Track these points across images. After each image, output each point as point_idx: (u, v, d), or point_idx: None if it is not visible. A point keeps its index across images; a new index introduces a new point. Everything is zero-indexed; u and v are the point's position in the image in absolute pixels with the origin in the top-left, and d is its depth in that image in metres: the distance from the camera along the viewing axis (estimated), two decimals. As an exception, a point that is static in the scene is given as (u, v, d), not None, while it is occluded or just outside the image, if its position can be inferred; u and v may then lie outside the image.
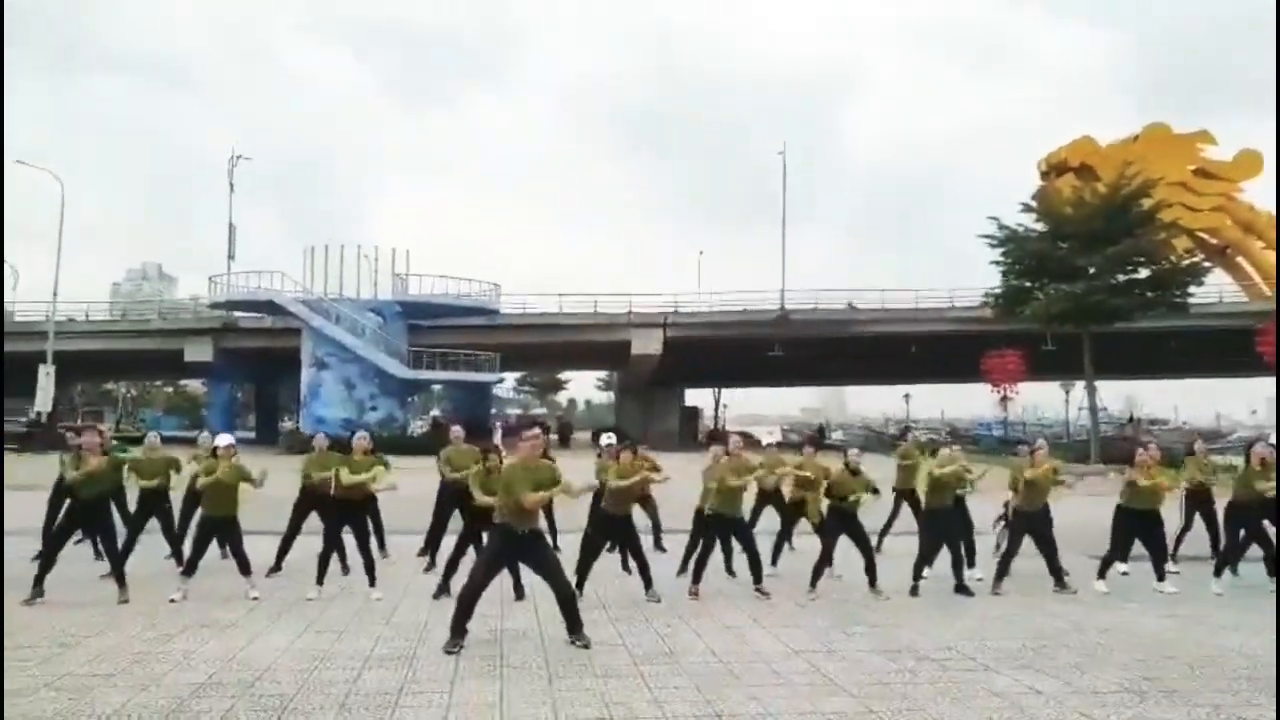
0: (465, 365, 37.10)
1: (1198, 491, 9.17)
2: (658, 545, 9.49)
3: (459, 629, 5.53)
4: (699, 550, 7.59)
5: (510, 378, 68.29)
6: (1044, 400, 56.60)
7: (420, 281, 36.10)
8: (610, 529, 7.44)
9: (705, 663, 5.33)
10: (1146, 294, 28.18)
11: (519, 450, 5.93)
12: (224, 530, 7.32)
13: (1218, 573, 8.04)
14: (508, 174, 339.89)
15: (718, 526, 7.53)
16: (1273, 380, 28.88)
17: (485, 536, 7.30)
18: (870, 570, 7.51)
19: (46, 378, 34.07)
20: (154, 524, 8.24)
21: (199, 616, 6.36)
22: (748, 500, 8.02)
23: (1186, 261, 30.69)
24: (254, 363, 42.01)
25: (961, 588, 7.60)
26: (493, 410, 48.80)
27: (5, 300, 41.94)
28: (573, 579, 6.27)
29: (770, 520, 8.93)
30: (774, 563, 8.45)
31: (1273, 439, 12.82)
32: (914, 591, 7.51)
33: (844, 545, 7.68)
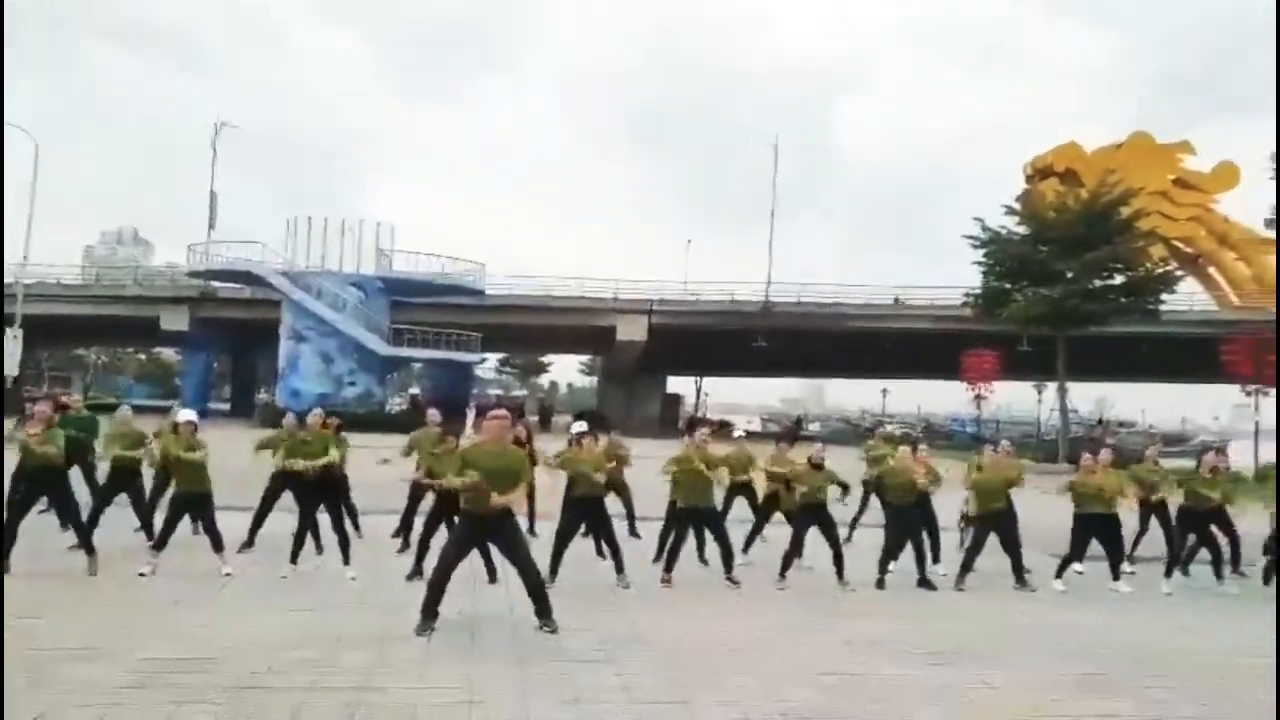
0: (447, 344, 36.89)
1: (1148, 499, 9.45)
2: (632, 532, 9.58)
3: (430, 611, 5.57)
4: (671, 540, 7.68)
5: (492, 358, 68.07)
6: (1017, 400, 57.52)
7: (405, 258, 35.77)
8: (583, 513, 7.50)
9: (674, 650, 5.42)
10: (1121, 300, 28.72)
11: (485, 430, 5.89)
12: (196, 506, 7.29)
13: (1168, 574, 8.32)
14: (504, 164, 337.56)
15: (690, 518, 7.63)
16: (1235, 389, 29.59)
17: (455, 518, 7.33)
18: (838, 562, 7.66)
19: (14, 341, 33.33)
20: (123, 497, 8.18)
21: (169, 592, 6.35)
22: (719, 491, 8.11)
23: (1160, 270, 31.27)
24: (231, 333, 41.50)
25: (924, 582, 7.79)
26: (474, 391, 48.60)
27: None
28: (546, 566, 6.33)
29: (741, 510, 9.05)
30: (745, 551, 8.59)
31: (1241, 446, 13.20)
32: (880, 584, 7.69)
33: (814, 537, 7.82)
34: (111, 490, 8.07)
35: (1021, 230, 30.00)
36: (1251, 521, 9.19)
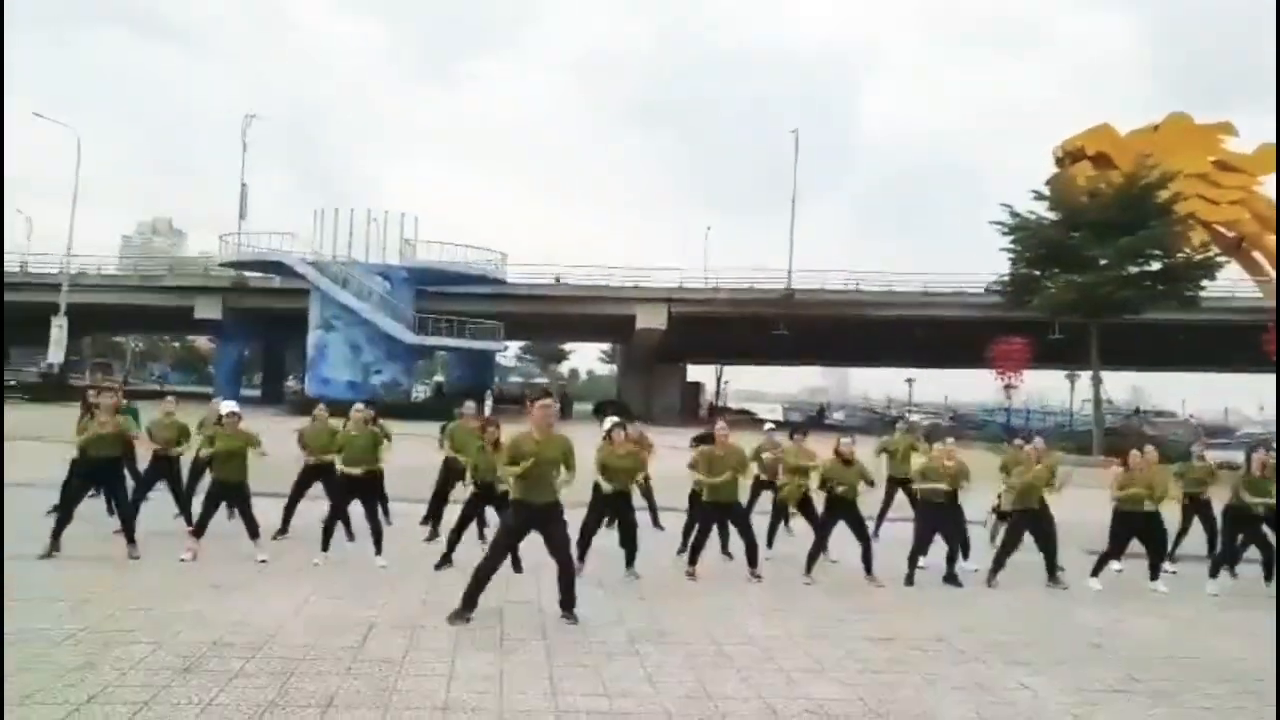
0: (470, 333, 37.24)
1: (1194, 496, 9.24)
2: (655, 524, 9.63)
3: (470, 601, 5.66)
4: (695, 534, 7.70)
5: (514, 346, 68.47)
6: (1049, 389, 56.57)
7: (428, 248, 36.15)
8: (609, 506, 7.56)
9: (699, 644, 5.46)
10: (1158, 286, 27.97)
11: (533, 419, 5.96)
12: (233, 495, 7.46)
13: (1213, 574, 8.14)
14: (520, 147, 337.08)
15: (715, 513, 7.63)
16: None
17: (489, 510, 7.42)
18: (867, 558, 7.62)
19: (60, 330, 34.40)
20: (162, 483, 8.41)
21: (208, 577, 6.53)
22: (745, 485, 8.09)
23: (1200, 255, 30.40)
24: (262, 322, 42.21)
25: (951, 578, 7.72)
26: (495, 379, 48.98)
27: (21, 251, 42.20)
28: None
29: (767, 503, 9.03)
30: (769, 544, 8.58)
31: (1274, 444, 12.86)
32: (909, 580, 7.63)
33: (841, 532, 7.78)
34: (153, 478, 8.32)
35: (1052, 216, 29.33)
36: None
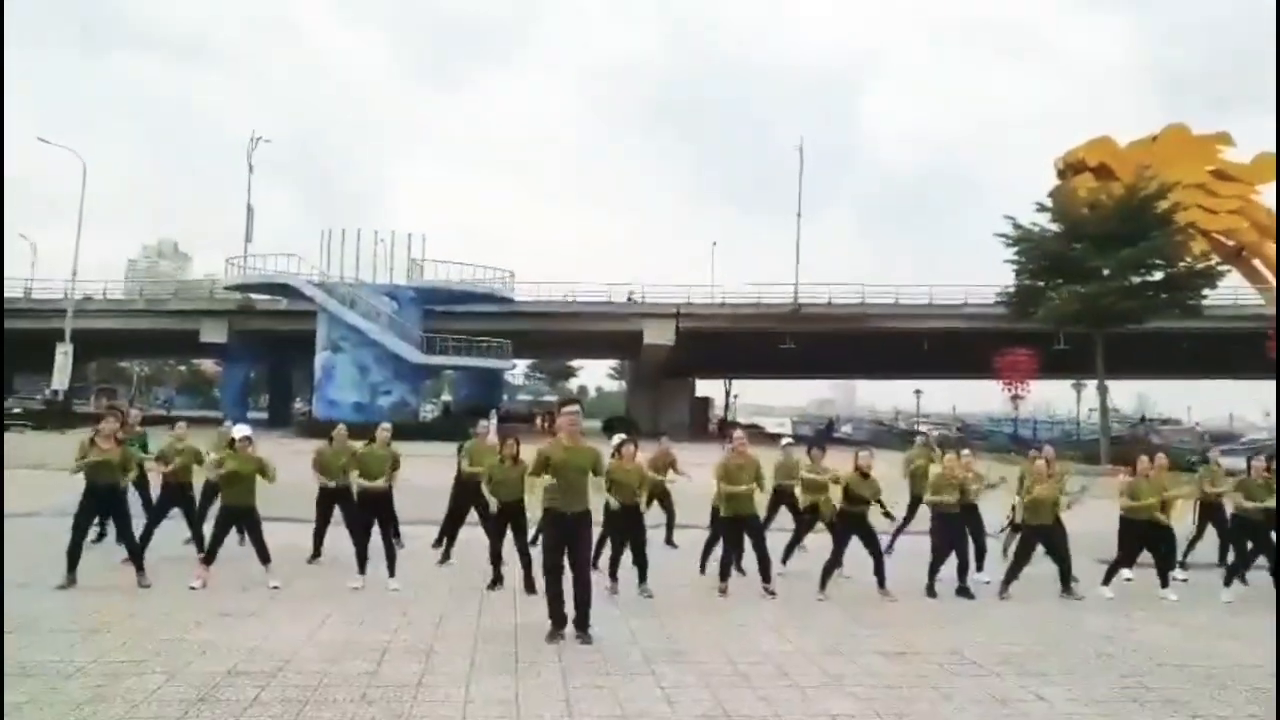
0: (478, 351, 37.36)
1: (1210, 502, 9.21)
2: (669, 540, 9.61)
3: (558, 618, 5.71)
4: (722, 552, 7.68)
5: (522, 364, 68.61)
6: (1056, 398, 56.46)
7: (436, 267, 36.39)
8: (621, 523, 7.56)
9: (714, 662, 5.44)
10: (1160, 296, 28.03)
11: (560, 428, 6.00)
12: (243, 519, 7.47)
13: (1227, 582, 8.11)
14: (525, 162, 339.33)
15: (735, 526, 7.62)
16: None
17: (510, 526, 7.41)
18: (879, 572, 7.61)
19: (64, 357, 34.52)
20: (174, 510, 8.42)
21: (220, 605, 6.52)
22: (761, 499, 8.08)
23: (1201, 264, 30.47)
24: (269, 344, 42.42)
25: (963, 590, 7.70)
26: (504, 397, 49.09)
27: (25, 277, 42.55)
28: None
29: (785, 518, 9.01)
30: (784, 562, 8.55)
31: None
32: (929, 592, 7.64)
33: (854, 547, 7.76)
34: (166, 506, 8.32)
35: (1054, 227, 29.45)
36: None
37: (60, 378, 34.97)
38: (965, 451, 8.62)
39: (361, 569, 7.34)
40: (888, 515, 7.88)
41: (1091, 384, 34.57)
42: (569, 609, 5.75)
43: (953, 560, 7.86)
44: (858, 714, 4.59)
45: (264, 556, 7.32)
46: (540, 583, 6.23)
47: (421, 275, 36.09)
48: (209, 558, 7.26)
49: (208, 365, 72.66)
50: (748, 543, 7.90)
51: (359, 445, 7.97)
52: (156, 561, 7.45)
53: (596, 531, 6.92)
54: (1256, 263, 47.06)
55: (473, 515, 8.34)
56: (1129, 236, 26.94)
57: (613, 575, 7.46)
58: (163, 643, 5.48)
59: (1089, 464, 26.04)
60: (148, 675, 4.83)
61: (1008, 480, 8.62)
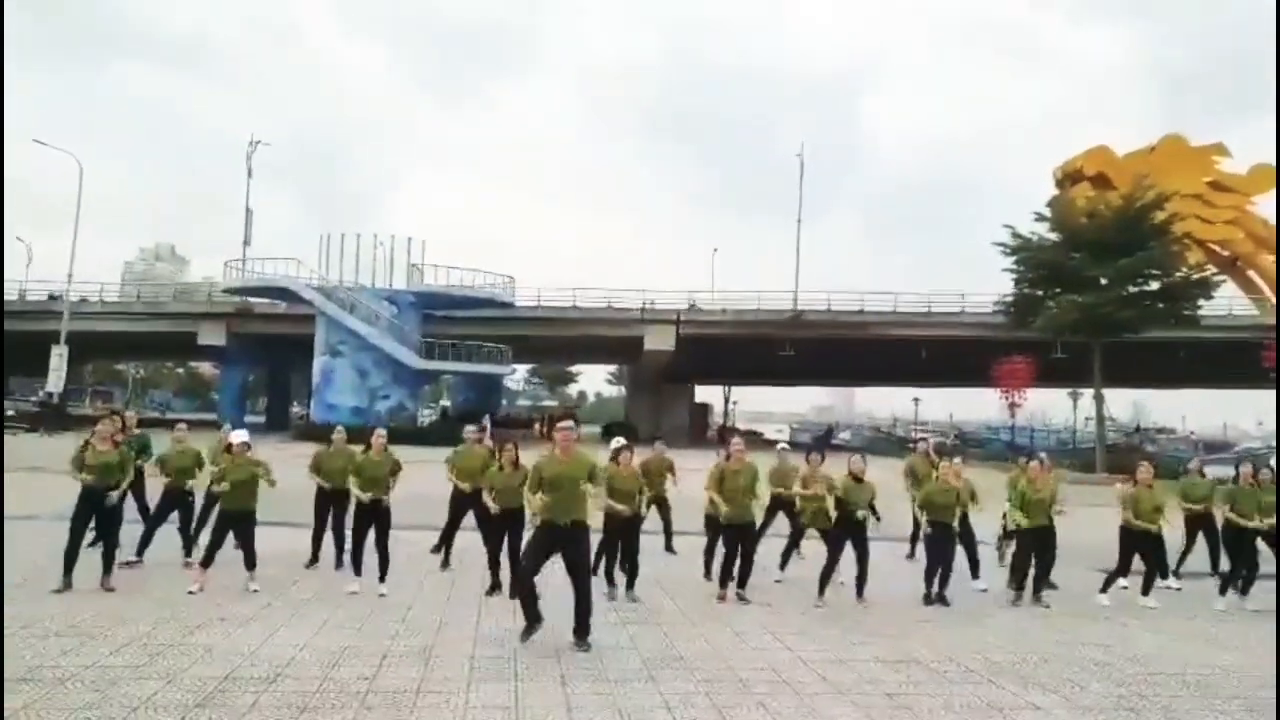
0: (478, 356, 37.33)
1: (1195, 513, 9.25)
2: (668, 547, 9.62)
3: (532, 616, 5.74)
4: (723, 558, 7.69)
5: (521, 369, 68.65)
6: (1052, 407, 56.56)
7: (435, 272, 36.32)
8: (618, 530, 7.57)
9: (714, 669, 5.45)
10: (1157, 305, 28.14)
11: (556, 440, 6.05)
12: (240, 524, 7.45)
13: (1222, 591, 8.17)
14: (525, 167, 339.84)
15: (733, 531, 7.60)
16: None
17: (507, 532, 7.41)
18: (860, 580, 7.61)
19: (59, 359, 34.42)
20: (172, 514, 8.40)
21: (217, 610, 6.51)
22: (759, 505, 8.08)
23: (1197, 275, 30.61)
24: (267, 348, 42.33)
25: (940, 598, 7.73)
26: (503, 402, 49.06)
27: (19, 279, 42.48)
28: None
29: (781, 524, 9.02)
30: (782, 568, 8.56)
31: (1272, 461, 12.89)
32: (927, 599, 7.70)
33: (851, 551, 7.76)
34: (167, 509, 8.30)
35: (1052, 237, 29.57)
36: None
37: (55, 380, 34.86)
38: (956, 459, 8.66)
39: (357, 572, 7.33)
40: (876, 517, 7.92)
41: (1087, 393, 34.65)
42: (541, 607, 5.78)
43: (959, 564, 7.90)
44: (856, 721, 4.60)
45: (250, 561, 7.29)
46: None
47: (421, 280, 36.06)
48: (207, 561, 7.24)
49: (205, 368, 72.56)
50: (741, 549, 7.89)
51: (357, 450, 7.97)
52: (153, 566, 7.43)
53: (595, 539, 6.93)
54: (1251, 273, 47.32)
55: (469, 520, 8.34)
56: (1126, 246, 27.05)
57: (609, 580, 7.47)
58: (160, 647, 5.47)
59: (1085, 471, 26.13)
60: (146, 680, 4.82)
61: (980, 504, 8.59)
